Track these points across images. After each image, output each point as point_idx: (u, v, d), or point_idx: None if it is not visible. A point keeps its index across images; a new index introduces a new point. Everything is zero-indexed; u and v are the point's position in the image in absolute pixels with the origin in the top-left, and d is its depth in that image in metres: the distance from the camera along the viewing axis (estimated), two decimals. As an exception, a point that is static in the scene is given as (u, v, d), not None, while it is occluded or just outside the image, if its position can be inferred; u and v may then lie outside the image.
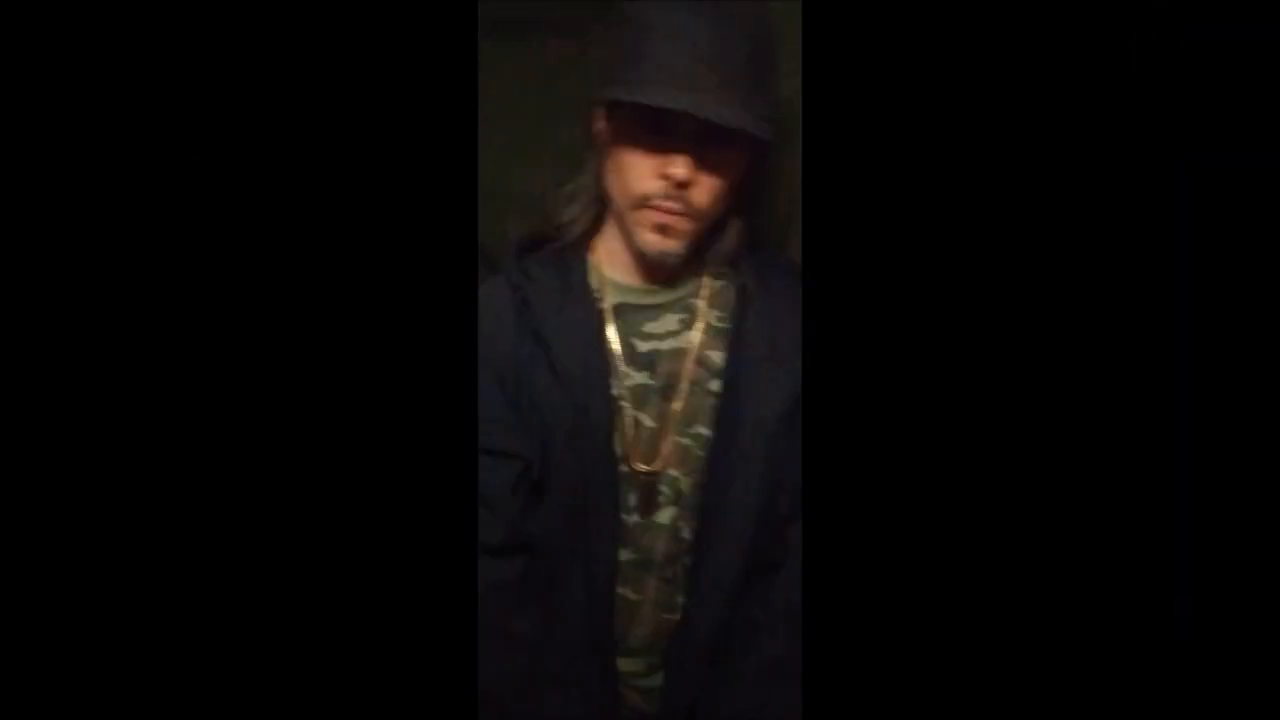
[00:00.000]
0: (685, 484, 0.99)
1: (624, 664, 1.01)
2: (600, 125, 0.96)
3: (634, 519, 0.99)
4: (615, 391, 0.98)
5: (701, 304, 1.02)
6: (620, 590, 0.99)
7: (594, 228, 1.03)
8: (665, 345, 1.00)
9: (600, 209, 1.01)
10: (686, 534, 0.99)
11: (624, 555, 0.99)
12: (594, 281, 1.01)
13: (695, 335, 1.01)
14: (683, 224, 0.94)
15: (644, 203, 0.94)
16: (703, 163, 0.92)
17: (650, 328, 1.00)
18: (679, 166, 0.91)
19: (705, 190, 0.94)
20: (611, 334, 1.00)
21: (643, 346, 1.00)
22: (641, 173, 0.93)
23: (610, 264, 1.02)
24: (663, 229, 0.94)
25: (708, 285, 1.02)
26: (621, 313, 1.01)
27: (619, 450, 0.98)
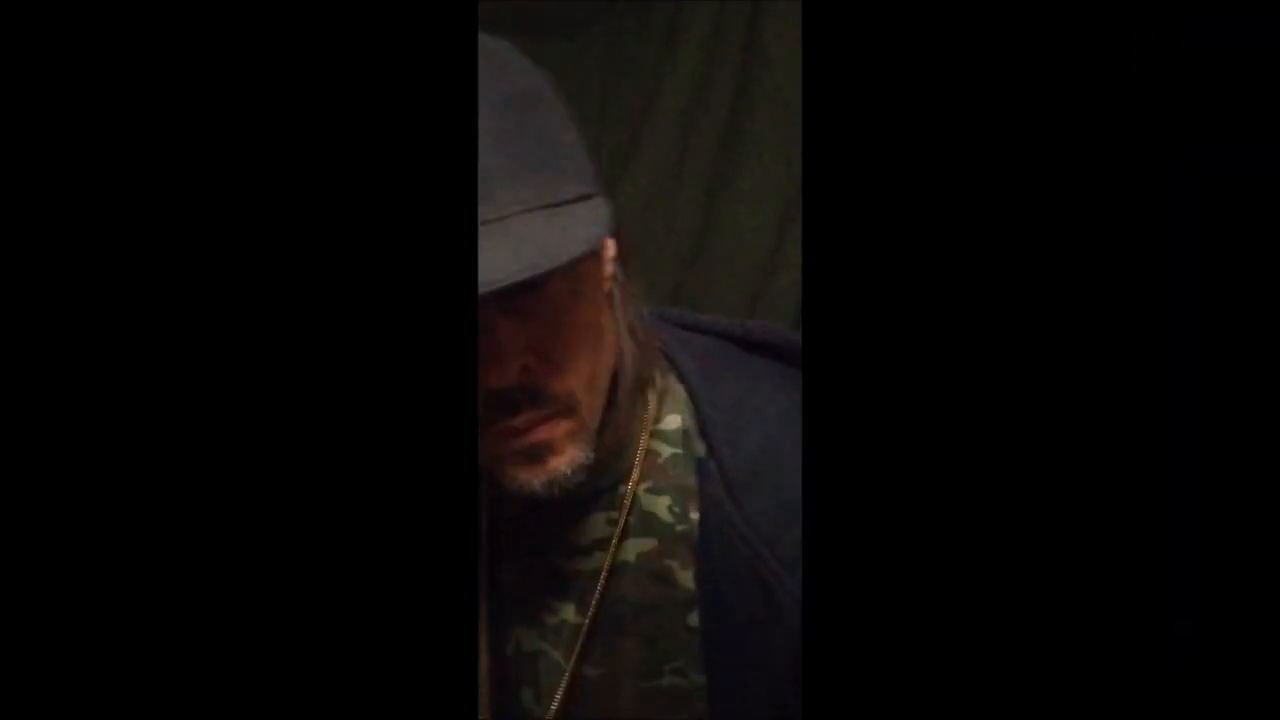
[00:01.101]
0: None
1: None
2: None
3: None
4: (526, 644, 0.68)
5: (641, 496, 0.67)
6: None
7: None
8: (593, 562, 0.67)
9: None
10: None
11: None
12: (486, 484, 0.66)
13: (636, 546, 0.67)
14: (561, 429, 0.61)
15: (488, 429, 0.61)
16: (535, 326, 0.59)
17: (568, 536, 0.68)
18: (499, 374, 0.58)
19: (567, 361, 0.60)
20: (508, 555, 0.68)
21: (562, 567, 0.67)
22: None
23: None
24: (533, 453, 0.62)
25: (642, 464, 0.68)
26: (524, 521, 0.68)
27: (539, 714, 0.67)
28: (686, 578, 0.67)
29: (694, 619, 0.67)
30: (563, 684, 0.66)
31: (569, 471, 0.62)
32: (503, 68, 0.60)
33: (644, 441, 0.68)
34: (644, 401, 0.67)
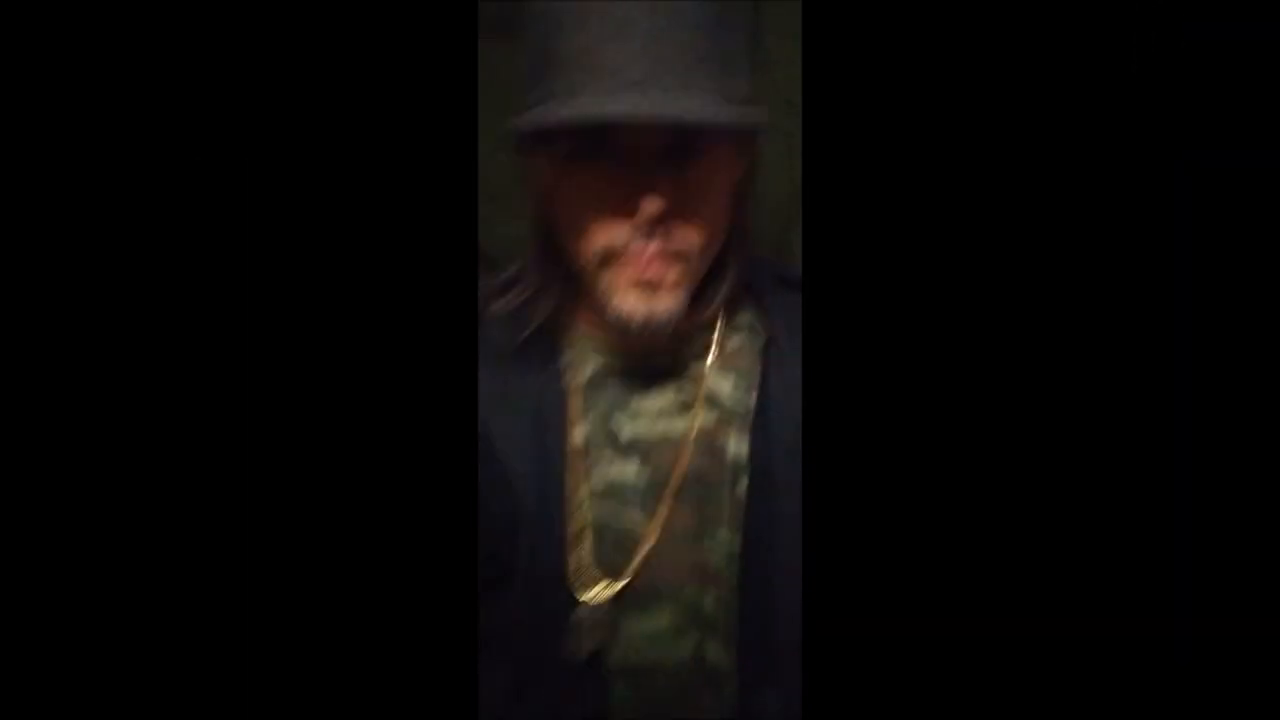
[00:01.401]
0: (709, 604, 0.74)
1: None
2: (537, 168, 0.73)
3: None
4: (582, 492, 0.74)
5: (710, 375, 0.77)
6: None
7: (567, 299, 0.77)
8: (658, 428, 0.76)
9: (566, 277, 0.75)
10: (720, 661, 0.75)
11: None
12: (569, 350, 0.77)
13: (699, 419, 0.75)
14: (673, 274, 0.70)
15: (615, 257, 0.70)
16: (683, 185, 0.69)
17: (638, 404, 0.76)
18: (651, 201, 0.67)
19: (694, 222, 0.70)
20: (581, 417, 0.75)
21: (628, 430, 0.75)
22: (604, 219, 0.69)
23: (592, 326, 0.77)
24: (647, 286, 0.70)
25: (717, 347, 0.77)
26: (599, 386, 0.76)
27: (583, 561, 0.74)
28: (740, 451, 0.75)
29: (742, 488, 0.75)
30: (633, 541, 0.74)
31: (666, 315, 0.71)
32: None
33: (718, 329, 0.77)
34: (727, 296, 0.77)
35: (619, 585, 0.74)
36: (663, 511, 0.75)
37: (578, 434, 0.75)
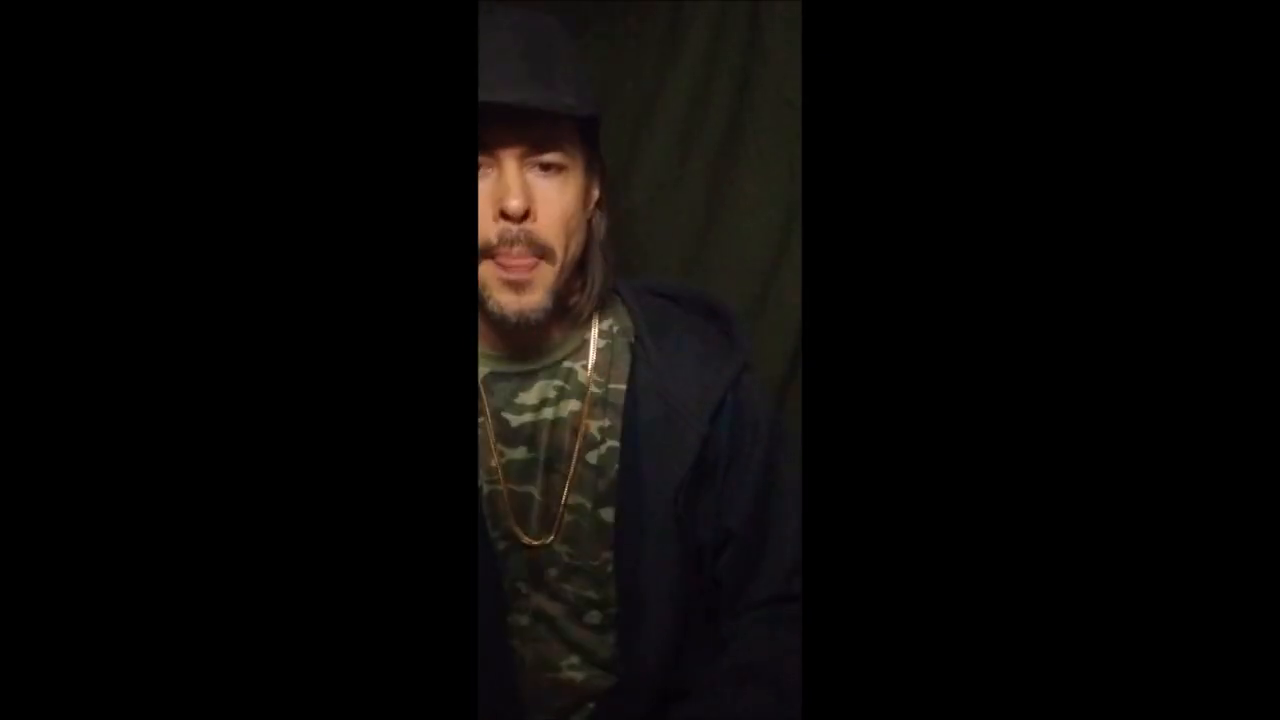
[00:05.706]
0: (580, 560, 0.91)
1: None
2: None
3: (524, 589, 0.92)
4: (491, 466, 0.89)
5: (579, 369, 0.91)
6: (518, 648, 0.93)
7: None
8: (541, 416, 0.90)
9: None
10: (595, 618, 0.93)
11: (520, 620, 0.92)
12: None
13: (572, 405, 0.90)
14: (537, 273, 0.83)
15: (489, 255, 0.82)
16: (540, 185, 0.81)
17: (522, 398, 0.90)
18: (512, 196, 0.79)
19: (551, 219, 0.82)
20: (483, 408, 0.89)
21: (515, 421, 0.90)
22: (482, 218, 0.81)
23: (482, 333, 0.89)
24: (516, 286, 0.82)
25: (588, 345, 0.92)
26: (491, 385, 0.90)
27: (505, 526, 0.90)
28: (594, 428, 0.90)
29: (591, 457, 0.91)
30: (511, 501, 0.90)
31: (535, 308, 0.83)
32: (535, 22, 0.84)
33: (586, 334, 0.92)
34: (594, 307, 0.91)
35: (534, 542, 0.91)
36: (546, 481, 0.91)
37: (485, 421, 0.90)
